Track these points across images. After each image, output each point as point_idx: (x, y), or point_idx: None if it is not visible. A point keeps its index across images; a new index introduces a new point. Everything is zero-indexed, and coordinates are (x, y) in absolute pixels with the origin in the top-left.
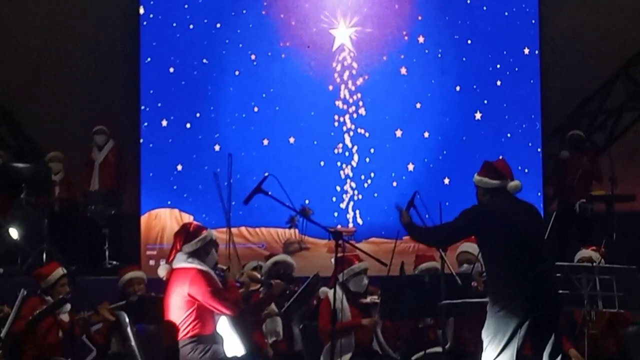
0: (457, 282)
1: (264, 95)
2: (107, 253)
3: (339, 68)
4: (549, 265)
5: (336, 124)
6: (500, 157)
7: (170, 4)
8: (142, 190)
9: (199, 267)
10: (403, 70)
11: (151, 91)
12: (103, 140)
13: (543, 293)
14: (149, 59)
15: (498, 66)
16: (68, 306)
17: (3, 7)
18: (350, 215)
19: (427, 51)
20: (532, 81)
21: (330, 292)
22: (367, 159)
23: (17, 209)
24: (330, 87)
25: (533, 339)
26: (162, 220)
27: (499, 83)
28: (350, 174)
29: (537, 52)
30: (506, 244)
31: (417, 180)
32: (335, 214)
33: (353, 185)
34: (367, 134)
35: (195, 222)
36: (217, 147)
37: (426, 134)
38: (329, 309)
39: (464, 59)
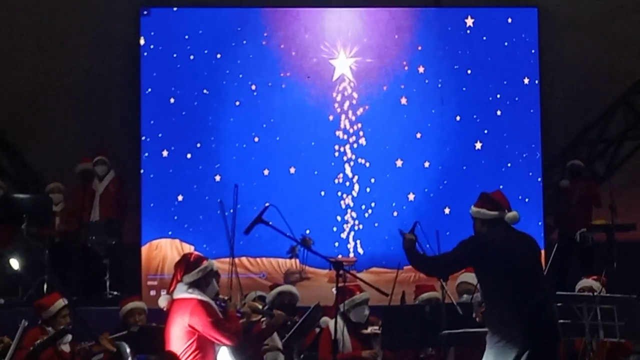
0: (458, 311)
1: (264, 125)
2: (107, 283)
3: (339, 98)
4: (547, 295)
5: (336, 154)
6: (500, 188)
7: (170, 35)
8: (143, 220)
9: (200, 297)
10: (403, 100)
11: (152, 121)
12: (103, 171)
13: (542, 323)
14: (149, 90)
15: (498, 96)
16: (69, 337)
17: (3, 38)
18: (351, 245)
19: (427, 81)
20: (532, 111)
21: (331, 323)
22: (368, 189)
23: (18, 239)
24: (331, 117)
25: None
26: (163, 251)
27: (499, 113)
28: (351, 204)
29: (537, 81)
30: (503, 274)
31: (417, 210)
32: (336, 244)
33: (354, 215)
34: (367, 164)
35: (195, 253)
36: (217, 178)
37: (426, 164)
38: (330, 339)
39: (464, 88)
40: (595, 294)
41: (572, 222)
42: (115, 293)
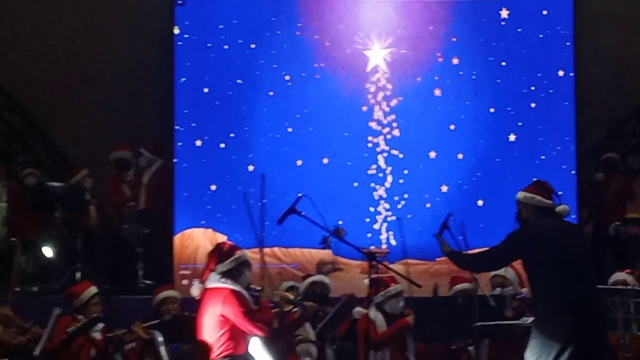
0: (491, 304)
1: (297, 115)
2: (140, 272)
3: (372, 89)
4: (595, 286)
5: (370, 145)
6: (545, 180)
7: (205, 25)
8: (176, 209)
9: (232, 287)
10: (437, 92)
11: (185, 111)
12: (142, 162)
13: (589, 315)
14: (183, 79)
15: (532, 88)
16: (100, 325)
17: (39, 26)
18: (383, 236)
19: (461, 73)
20: (566, 103)
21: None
22: (401, 180)
23: (51, 227)
24: (364, 108)
25: None
26: (196, 240)
27: (533, 105)
28: (384, 195)
29: (571, 74)
30: (552, 266)
31: (450, 201)
32: (369, 235)
33: (386, 206)
34: (400, 155)
35: (229, 242)
36: (250, 168)
37: (460, 156)
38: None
39: (498, 80)
40: (628, 287)
41: (606, 215)
42: (148, 282)
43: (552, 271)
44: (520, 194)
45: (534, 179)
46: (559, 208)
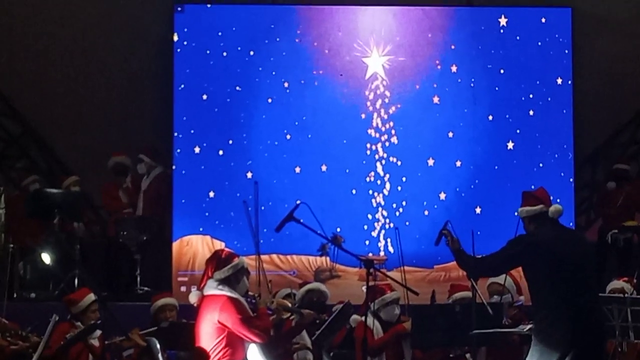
0: (489, 312)
1: (296, 122)
2: (138, 279)
3: (371, 96)
4: (596, 294)
5: (368, 152)
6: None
7: (203, 32)
8: (174, 216)
9: (229, 294)
10: (435, 99)
11: (184, 118)
12: (142, 169)
13: (588, 323)
14: (182, 86)
15: (531, 96)
16: (98, 331)
17: (38, 34)
18: (381, 244)
19: (459, 80)
20: (564, 111)
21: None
22: (399, 188)
23: (50, 234)
24: (363, 116)
25: None
26: (194, 247)
27: (531, 113)
28: (382, 202)
29: (570, 82)
30: (552, 274)
31: (448, 209)
32: (367, 242)
33: (385, 213)
34: (399, 163)
35: (227, 249)
36: (249, 174)
37: (458, 163)
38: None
39: (496, 88)
40: (625, 295)
41: (612, 223)
42: (146, 289)
43: (552, 280)
44: (518, 211)
45: (523, 191)
46: (551, 210)
